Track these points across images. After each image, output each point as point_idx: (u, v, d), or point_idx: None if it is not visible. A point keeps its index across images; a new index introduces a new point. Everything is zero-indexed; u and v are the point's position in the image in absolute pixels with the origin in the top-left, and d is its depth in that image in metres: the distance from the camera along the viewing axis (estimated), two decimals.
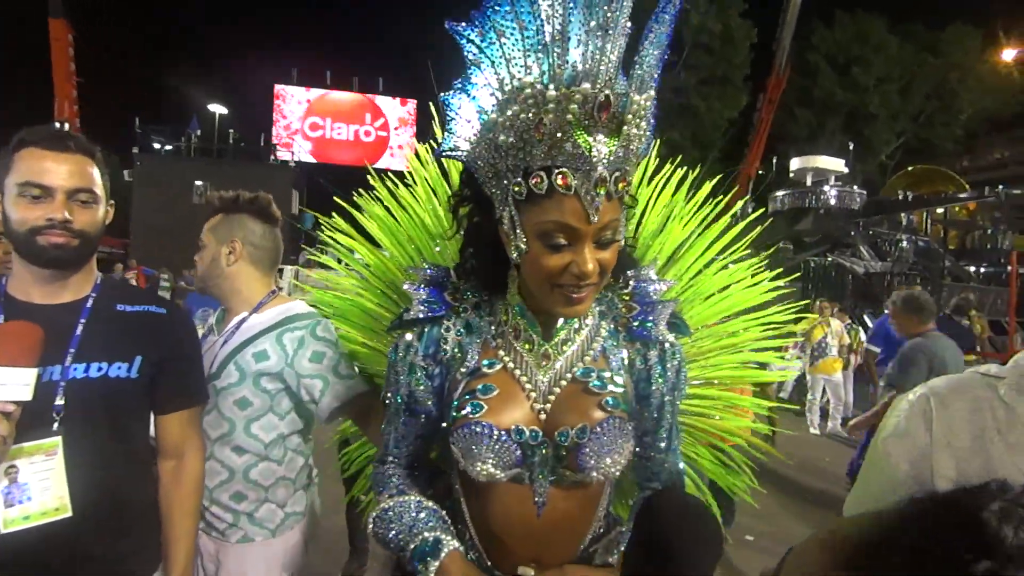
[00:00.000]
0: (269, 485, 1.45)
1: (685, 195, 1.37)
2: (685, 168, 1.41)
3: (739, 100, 23.98)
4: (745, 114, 24.00)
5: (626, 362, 0.95)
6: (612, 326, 0.97)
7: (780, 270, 1.47)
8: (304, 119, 23.23)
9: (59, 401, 1.08)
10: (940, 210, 20.23)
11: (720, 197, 1.41)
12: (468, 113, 0.80)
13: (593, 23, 0.72)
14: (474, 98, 0.79)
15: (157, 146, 20.39)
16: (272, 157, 21.25)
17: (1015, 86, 24.52)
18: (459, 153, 0.83)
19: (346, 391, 1.43)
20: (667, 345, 0.96)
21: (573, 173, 0.73)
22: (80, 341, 1.13)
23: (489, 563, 0.94)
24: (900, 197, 20.62)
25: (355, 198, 1.47)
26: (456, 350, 0.94)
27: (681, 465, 1.04)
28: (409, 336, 0.96)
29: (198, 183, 18.74)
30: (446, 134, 0.83)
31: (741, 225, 1.41)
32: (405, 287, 1.00)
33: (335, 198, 1.56)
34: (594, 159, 0.73)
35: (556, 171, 0.74)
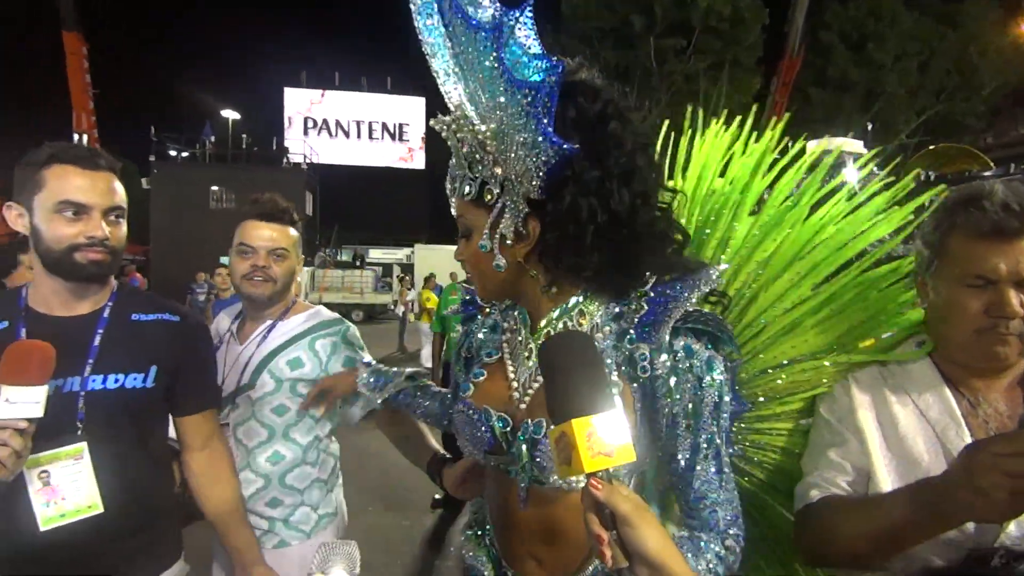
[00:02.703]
0: (304, 488, 1.48)
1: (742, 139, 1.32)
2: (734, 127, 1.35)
3: (752, 84, 23.58)
4: (758, 98, 23.62)
5: (622, 365, 0.84)
6: (623, 326, 0.87)
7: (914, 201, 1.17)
8: (307, 121, 23.36)
9: (81, 410, 1.13)
10: None
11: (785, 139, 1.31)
12: None
13: (453, 63, 0.83)
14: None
15: (173, 153, 20.70)
16: (285, 160, 21.45)
17: None
18: None
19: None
20: (679, 355, 0.82)
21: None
22: (98, 352, 1.17)
23: (499, 553, 0.98)
24: (922, 178, 20.16)
25: None
26: (479, 344, 1.04)
27: (735, 502, 0.84)
28: (461, 329, 1.12)
29: (214, 188, 19.00)
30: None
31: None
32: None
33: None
34: (450, 166, 0.90)
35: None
